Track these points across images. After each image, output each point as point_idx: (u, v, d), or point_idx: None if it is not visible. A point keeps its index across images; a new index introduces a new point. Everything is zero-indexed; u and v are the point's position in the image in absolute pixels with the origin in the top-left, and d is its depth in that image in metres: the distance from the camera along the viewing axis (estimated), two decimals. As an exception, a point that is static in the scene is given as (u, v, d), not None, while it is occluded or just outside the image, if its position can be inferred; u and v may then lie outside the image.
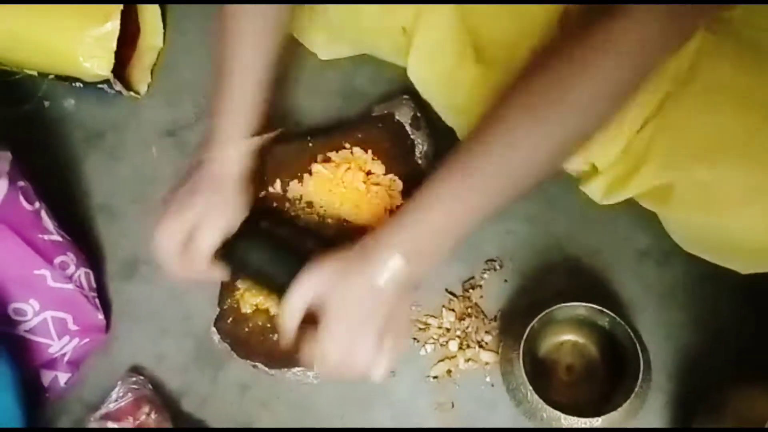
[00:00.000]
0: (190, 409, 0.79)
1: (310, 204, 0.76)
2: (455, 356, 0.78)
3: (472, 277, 0.81)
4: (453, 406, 0.77)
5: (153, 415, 0.74)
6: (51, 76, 0.87)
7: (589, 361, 0.76)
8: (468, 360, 0.78)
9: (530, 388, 0.68)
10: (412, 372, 0.78)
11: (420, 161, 0.78)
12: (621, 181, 0.65)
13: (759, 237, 0.60)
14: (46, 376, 0.77)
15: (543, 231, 0.82)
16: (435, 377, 0.78)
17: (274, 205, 0.77)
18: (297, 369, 0.73)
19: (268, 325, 0.74)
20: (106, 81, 0.85)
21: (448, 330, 0.79)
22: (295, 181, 0.78)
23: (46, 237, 0.73)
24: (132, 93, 0.89)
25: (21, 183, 0.71)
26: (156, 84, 0.92)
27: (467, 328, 0.79)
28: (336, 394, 0.78)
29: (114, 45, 0.82)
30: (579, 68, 0.49)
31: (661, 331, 0.77)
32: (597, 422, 0.67)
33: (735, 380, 0.71)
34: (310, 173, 0.77)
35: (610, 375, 0.74)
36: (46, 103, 0.91)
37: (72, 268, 0.76)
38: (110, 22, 0.82)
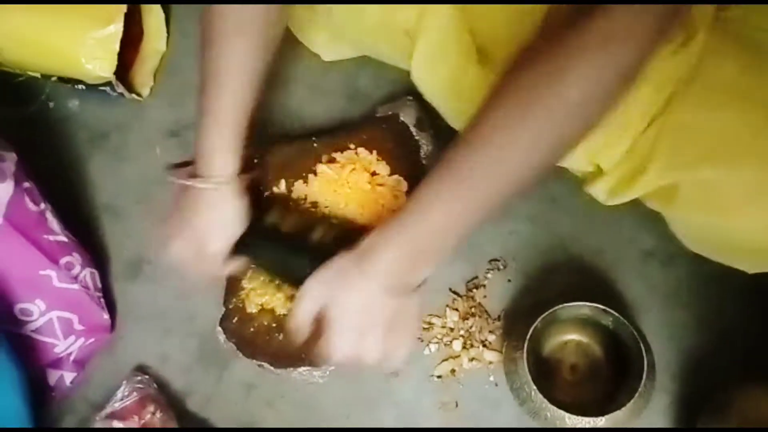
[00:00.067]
0: (195, 408, 0.79)
1: (314, 204, 0.77)
2: (459, 356, 0.78)
3: (476, 277, 0.81)
4: (457, 405, 0.77)
5: (158, 415, 0.74)
6: (54, 78, 0.87)
7: (593, 360, 0.76)
8: (472, 359, 0.78)
9: (534, 387, 0.68)
10: (416, 371, 0.78)
11: (424, 162, 0.79)
12: (626, 182, 0.65)
13: (765, 236, 0.60)
14: (52, 376, 0.77)
15: (546, 231, 0.82)
16: (439, 377, 0.78)
17: (278, 205, 0.77)
18: (302, 368, 0.73)
19: (274, 325, 0.75)
20: (109, 83, 0.85)
21: (451, 329, 0.79)
22: (300, 181, 0.78)
23: (51, 238, 0.73)
24: (134, 95, 0.89)
25: (26, 184, 0.71)
26: (159, 84, 0.92)
27: (471, 327, 0.79)
28: (341, 393, 0.78)
29: (117, 47, 0.82)
30: (565, 65, 0.49)
31: (666, 331, 0.78)
32: (601, 422, 0.68)
33: (740, 380, 0.71)
34: (315, 174, 0.78)
35: (614, 375, 0.75)
36: (51, 104, 0.91)
37: (77, 269, 0.76)
38: (113, 24, 0.82)
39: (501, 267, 0.81)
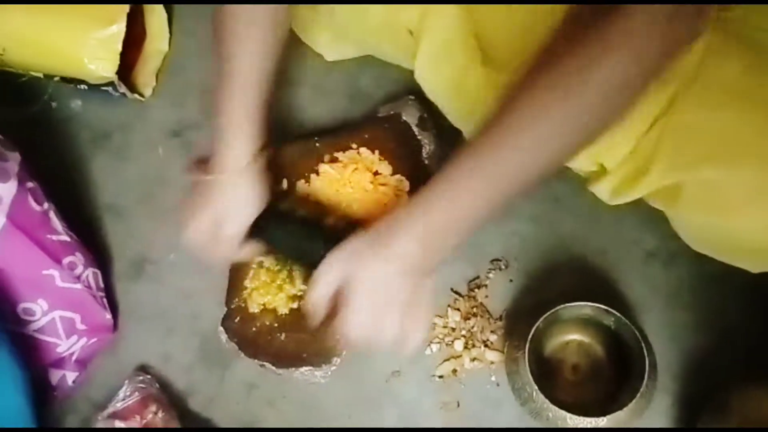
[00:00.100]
0: (197, 408, 0.79)
1: (316, 204, 0.77)
2: (461, 356, 0.78)
3: (478, 277, 0.81)
4: (458, 405, 0.77)
5: (160, 414, 0.74)
6: (56, 78, 0.87)
7: (595, 360, 0.76)
8: (473, 359, 0.78)
9: (536, 387, 0.68)
10: (417, 371, 0.78)
11: (427, 161, 0.79)
12: (629, 182, 0.65)
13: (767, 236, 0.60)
14: (54, 375, 0.77)
15: (548, 231, 0.82)
16: (440, 377, 0.78)
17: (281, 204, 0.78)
18: (304, 368, 0.74)
19: (276, 325, 0.75)
20: (111, 83, 0.85)
21: (453, 329, 0.79)
22: (302, 181, 0.78)
23: (54, 237, 0.74)
24: (137, 96, 0.89)
25: (30, 184, 0.72)
26: (162, 84, 0.92)
27: (473, 327, 0.79)
28: (343, 393, 0.78)
29: (119, 47, 0.83)
30: (591, 57, 0.49)
31: (667, 331, 0.78)
32: (602, 422, 0.68)
33: (741, 380, 0.71)
34: (317, 173, 0.78)
35: (615, 375, 0.75)
36: (53, 104, 0.92)
37: (80, 268, 0.76)
38: (116, 24, 0.82)
39: (503, 267, 0.81)
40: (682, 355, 0.77)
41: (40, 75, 0.88)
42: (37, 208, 0.72)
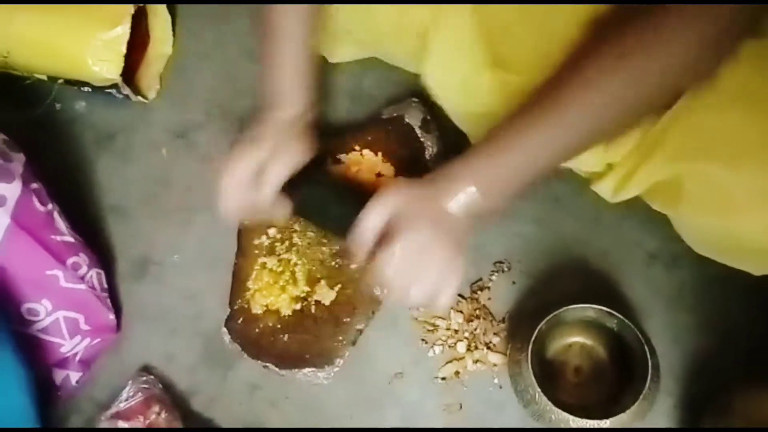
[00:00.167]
0: (200, 408, 0.79)
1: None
2: (463, 358, 0.78)
3: (480, 279, 0.81)
4: (461, 407, 0.77)
5: (163, 415, 0.75)
6: (61, 81, 0.88)
7: (597, 362, 0.76)
8: (476, 361, 0.78)
9: (538, 389, 0.68)
10: (420, 373, 0.78)
11: (429, 164, 0.79)
12: (630, 176, 0.65)
13: None
14: (58, 375, 0.78)
15: (551, 233, 0.82)
16: (443, 378, 0.78)
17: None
18: (307, 369, 0.74)
19: (279, 326, 0.75)
20: (115, 85, 0.86)
21: (456, 331, 0.79)
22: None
23: (58, 238, 0.74)
24: (140, 98, 0.90)
25: (34, 185, 0.72)
26: (165, 86, 0.93)
27: (475, 329, 0.79)
28: (345, 394, 0.78)
29: (123, 49, 0.83)
30: (675, 24, 0.51)
31: (669, 333, 0.78)
32: (605, 424, 0.68)
33: (744, 382, 0.71)
34: (320, 175, 0.78)
35: (618, 377, 0.75)
36: (57, 106, 0.92)
37: (84, 269, 0.76)
38: (120, 26, 0.83)
39: (505, 269, 0.81)
40: (685, 357, 0.77)
41: (44, 77, 0.88)
42: (41, 208, 0.72)
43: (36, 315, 0.73)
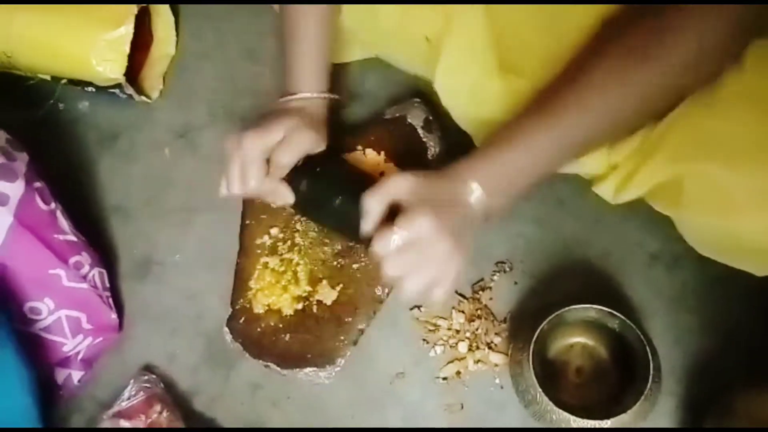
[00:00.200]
0: (202, 408, 0.79)
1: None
2: (465, 358, 0.78)
3: (482, 279, 0.81)
4: (462, 407, 0.77)
5: (164, 414, 0.75)
6: (64, 81, 0.88)
7: (599, 363, 0.76)
8: (477, 361, 0.78)
9: (540, 389, 0.68)
10: (421, 373, 0.78)
11: (432, 164, 0.79)
12: (631, 177, 0.65)
13: None
14: (60, 374, 0.78)
15: (553, 233, 0.82)
16: (444, 379, 0.78)
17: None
18: (308, 369, 0.74)
19: (281, 326, 0.75)
20: (118, 85, 0.86)
21: (457, 332, 0.79)
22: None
23: (61, 237, 0.74)
24: (143, 98, 0.90)
25: (37, 184, 0.72)
26: (168, 86, 0.93)
27: (477, 329, 0.79)
28: (346, 394, 0.78)
29: (127, 49, 0.83)
30: (678, 25, 0.52)
31: (671, 334, 0.78)
32: (606, 424, 0.68)
33: (746, 383, 0.71)
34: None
35: (619, 377, 0.75)
36: (61, 106, 0.92)
37: (86, 268, 0.77)
38: (124, 26, 0.83)
39: (507, 269, 0.81)
40: (686, 358, 0.77)
41: (48, 77, 0.88)
42: (44, 207, 0.72)
43: (38, 314, 0.73)
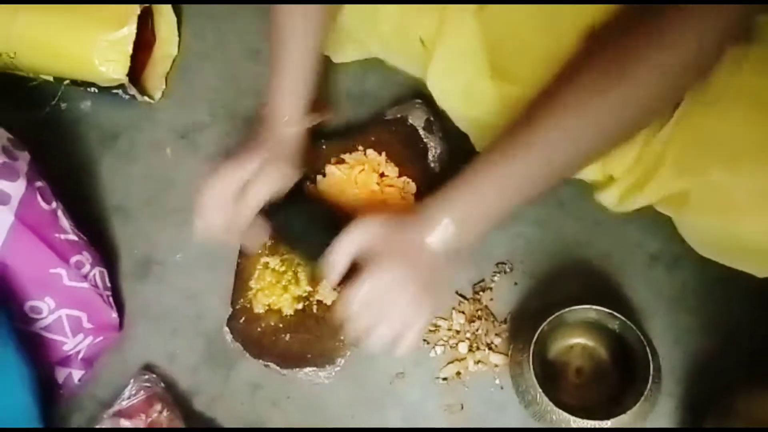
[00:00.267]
0: (202, 407, 0.79)
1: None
2: (465, 358, 0.78)
3: (482, 280, 0.81)
4: (462, 407, 0.77)
5: (165, 413, 0.75)
6: (66, 82, 0.88)
7: (599, 363, 0.76)
8: (477, 362, 0.78)
9: (540, 390, 0.68)
10: (421, 374, 0.78)
11: (433, 164, 0.79)
12: (636, 190, 0.65)
13: None
14: (61, 373, 0.78)
15: (553, 234, 0.82)
16: (444, 379, 0.78)
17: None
18: (308, 369, 0.74)
19: (281, 325, 0.75)
20: (121, 86, 0.86)
21: (458, 332, 0.79)
22: (308, 182, 0.78)
23: (62, 236, 0.74)
24: (146, 98, 0.90)
25: (39, 183, 0.72)
26: (170, 86, 0.93)
27: (477, 330, 0.79)
28: (346, 394, 0.78)
29: (130, 49, 0.83)
30: (632, 57, 0.52)
31: (671, 335, 0.77)
32: (606, 425, 0.67)
33: (746, 383, 0.71)
34: (323, 174, 0.78)
35: (619, 378, 0.74)
36: (63, 106, 0.92)
37: (87, 268, 0.77)
38: (126, 26, 0.83)
39: (507, 270, 0.81)
40: (687, 359, 0.77)
41: (51, 78, 0.89)
42: (45, 207, 0.72)
43: (39, 313, 0.74)
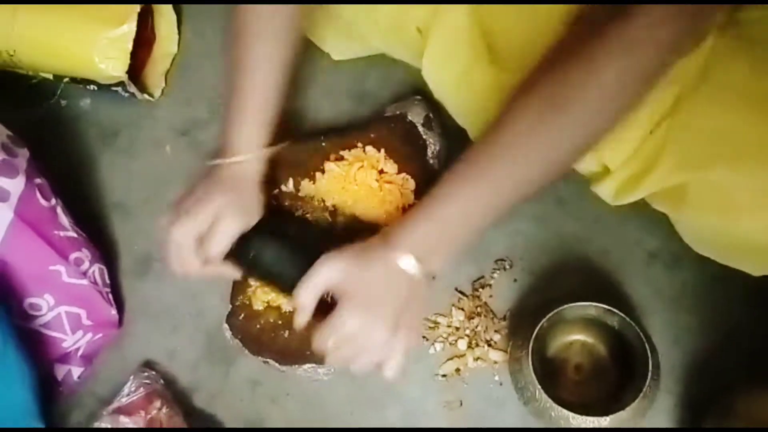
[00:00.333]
0: (201, 404, 0.79)
1: (322, 202, 0.77)
2: (464, 355, 0.78)
3: (482, 277, 0.81)
4: (461, 404, 0.77)
5: (164, 410, 0.75)
6: (66, 79, 0.88)
7: (598, 360, 0.76)
8: (477, 359, 0.78)
9: (539, 386, 0.68)
10: (421, 370, 0.78)
11: (432, 161, 0.79)
12: (633, 182, 0.65)
13: None
14: (60, 370, 0.78)
15: (553, 231, 0.82)
16: (444, 376, 0.78)
17: (286, 203, 0.78)
18: (308, 365, 0.74)
19: (280, 322, 0.75)
20: (120, 83, 0.86)
21: (457, 329, 0.79)
22: (307, 179, 0.78)
23: (61, 233, 0.74)
24: (146, 96, 0.90)
25: (38, 180, 0.72)
26: (170, 84, 0.93)
27: (476, 327, 0.79)
28: (346, 391, 0.78)
29: (129, 46, 0.83)
30: (589, 68, 0.50)
31: (670, 333, 0.78)
32: (605, 421, 0.68)
33: (745, 383, 0.71)
34: (323, 172, 0.78)
35: (618, 375, 0.75)
36: (63, 103, 0.93)
37: (86, 264, 0.77)
38: (126, 24, 0.83)
39: (507, 267, 0.81)
40: (686, 357, 0.77)
41: (50, 76, 0.89)
42: (44, 203, 0.72)
43: (38, 310, 0.74)
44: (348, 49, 0.86)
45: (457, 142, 0.78)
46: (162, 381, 0.78)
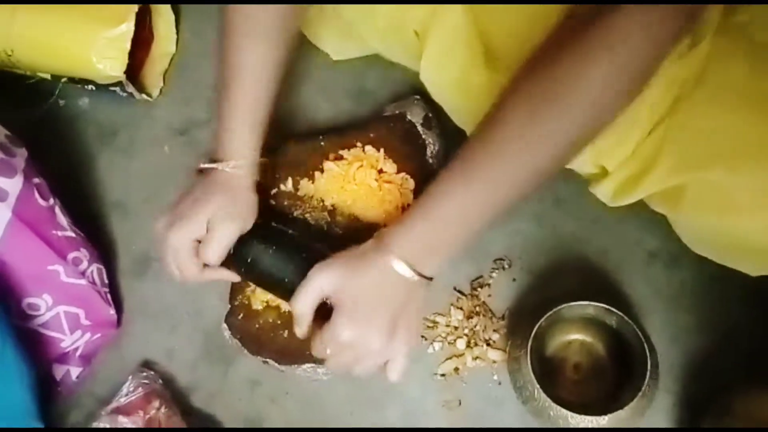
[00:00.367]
0: (200, 404, 0.79)
1: (321, 201, 0.77)
2: (463, 354, 0.78)
3: (481, 276, 0.81)
4: (460, 404, 0.77)
5: (163, 410, 0.75)
6: (64, 79, 0.88)
7: (597, 359, 0.76)
8: (476, 358, 0.78)
9: (537, 386, 0.68)
10: (419, 370, 0.78)
11: (431, 161, 0.79)
12: (631, 183, 0.65)
13: None
14: (59, 370, 0.78)
15: (551, 230, 0.82)
16: (442, 375, 0.78)
17: (285, 203, 0.78)
18: (307, 365, 0.74)
19: (279, 322, 0.75)
20: (119, 83, 0.86)
21: (456, 328, 0.79)
22: (306, 179, 0.78)
23: (60, 233, 0.74)
24: (144, 96, 0.90)
25: (36, 179, 0.72)
26: (168, 83, 0.93)
27: (475, 326, 0.79)
28: (345, 390, 0.78)
29: (128, 46, 0.83)
30: (578, 67, 0.50)
31: (669, 333, 0.78)
32: (604, 421, 0.68)
33: (744, 382, 0.71)
34: (322, 171, 0.78)
35: (617, 374, 0.75)
36: (61, 102, 0.92)
37: (85, 264, 0.77)
38: (125, 23, 0.83)
39: (506, 266, 0.81)
40: (685, 357, 0.77)
41: (48, 76, 0.88)
42: (43, 203, 0.72)
43: (36, 309, 0.73)
44: (347, 49, 0.86)
45: (456, 141, 0.77)
46: (161, 381, 0.78)
